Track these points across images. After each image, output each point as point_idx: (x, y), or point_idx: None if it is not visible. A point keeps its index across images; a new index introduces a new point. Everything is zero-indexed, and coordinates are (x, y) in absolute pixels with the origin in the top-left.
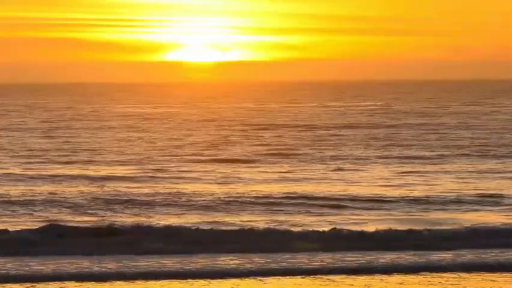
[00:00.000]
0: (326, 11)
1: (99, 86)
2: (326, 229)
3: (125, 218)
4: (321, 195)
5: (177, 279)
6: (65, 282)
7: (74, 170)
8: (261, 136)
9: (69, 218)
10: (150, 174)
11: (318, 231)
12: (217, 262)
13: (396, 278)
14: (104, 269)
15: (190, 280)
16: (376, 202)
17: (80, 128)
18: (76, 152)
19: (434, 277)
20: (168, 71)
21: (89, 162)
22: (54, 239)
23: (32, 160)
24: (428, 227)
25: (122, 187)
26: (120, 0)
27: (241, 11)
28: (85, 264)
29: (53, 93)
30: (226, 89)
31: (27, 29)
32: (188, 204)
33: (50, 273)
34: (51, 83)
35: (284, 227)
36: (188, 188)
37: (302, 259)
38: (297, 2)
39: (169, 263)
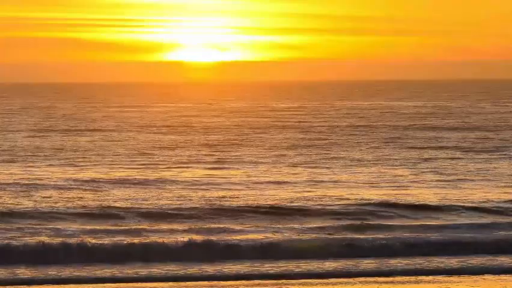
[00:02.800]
0: (326, 11)
1: (99, 86)
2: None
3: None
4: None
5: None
6: None
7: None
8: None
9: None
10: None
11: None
12: None
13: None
14: None
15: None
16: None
17: (68, 129)
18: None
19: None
20: (168, 71)
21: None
22: None
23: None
24: None
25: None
26: (120, 0)
27: (241, 11)
28: None
29: (53, 93)
30: (225, 89)
31: (27, 29)
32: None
33: None
34: (51, 82)
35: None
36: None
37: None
38: (297, 2)
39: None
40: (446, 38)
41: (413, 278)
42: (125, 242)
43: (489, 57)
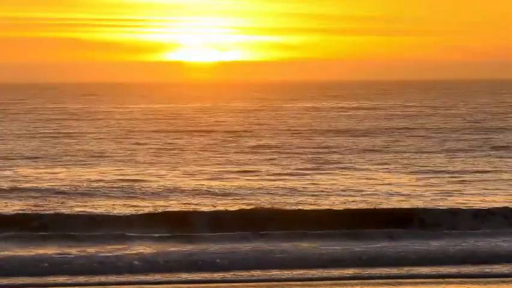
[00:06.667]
0: (325, 11)
1: (98, 86)
2: None
3: None
4: None
5: None
6: None
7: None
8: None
9: None
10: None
11: None
12: None
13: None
14: None
15: None
16: None
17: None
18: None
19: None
20: (168, 71)
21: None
22: None
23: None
24: None
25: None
26: (120, 0)
27: (241, 11)
28: None
29: (52, 93)
30: (225, 88)
31: (27, 29)
32: None
33: None
34: (51, 82)
35: None
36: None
37: None
38: (297, 2)
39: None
40: (445, 38)
41: None
42: None
43: (489, 57)
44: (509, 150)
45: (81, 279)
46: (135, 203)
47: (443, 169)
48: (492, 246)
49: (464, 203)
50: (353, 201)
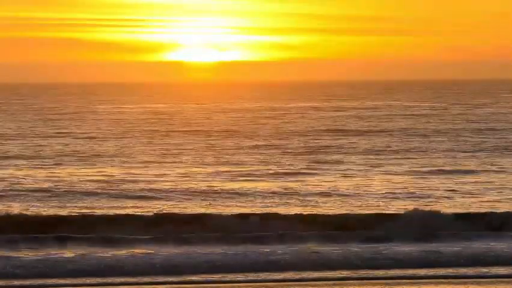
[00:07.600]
0: (325, 11)
1: (98, 86)
2: None
3: None
4: None
5: None
6: None
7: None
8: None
9: None
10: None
11: None
12: None
13: None
14: None
15: None
16: None
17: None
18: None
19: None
20: (168, 71)
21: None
22: None
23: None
24: None
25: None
26: (120, 0)
27: (241, 11)
28: None
29: (52, 93)
30: (225, 88)
31: (27, 29)
32: None
33: None
34: (51, 82)
35: None
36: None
37: None
38: (297, 2)
39: None
40: (445, 38)
41: None
42: None
43: (489, 57)
44: (509, 151)
45: (80, 280)
46: (134, 204)
47: (443, 169)
48: (489, 248)
49: (464, 204)
50: (352, 203)
